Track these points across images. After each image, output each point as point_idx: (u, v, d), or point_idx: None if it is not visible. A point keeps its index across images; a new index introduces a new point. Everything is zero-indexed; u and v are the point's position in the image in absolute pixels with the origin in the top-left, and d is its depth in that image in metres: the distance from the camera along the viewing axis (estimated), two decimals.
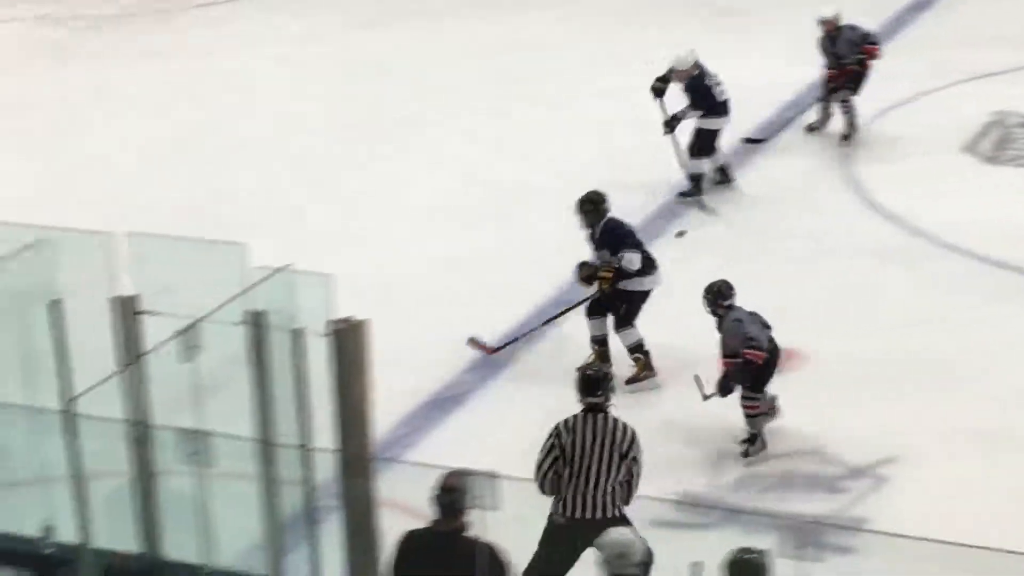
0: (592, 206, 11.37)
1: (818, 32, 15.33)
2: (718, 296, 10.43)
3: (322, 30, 19.83)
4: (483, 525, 7.13)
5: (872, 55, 15.32)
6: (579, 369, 8.73)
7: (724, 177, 14.59)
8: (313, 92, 17.60)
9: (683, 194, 14.38)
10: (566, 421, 8.46)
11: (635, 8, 20.10)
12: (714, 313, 10.44)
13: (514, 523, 7.29)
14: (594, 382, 8.54)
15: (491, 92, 17.35)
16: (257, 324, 7.25)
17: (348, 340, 7.14)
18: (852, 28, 15.37)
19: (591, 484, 8.35)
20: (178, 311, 7.50)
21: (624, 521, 8.20)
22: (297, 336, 7.22)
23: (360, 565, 7.26)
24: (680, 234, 13.08)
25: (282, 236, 12.83)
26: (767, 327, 10.36)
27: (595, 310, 11.42)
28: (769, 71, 16.98)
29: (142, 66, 18.74)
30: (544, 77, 17.64)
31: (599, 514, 8.32)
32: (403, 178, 15.20)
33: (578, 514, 8.37)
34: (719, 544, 7.30)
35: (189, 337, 7.15)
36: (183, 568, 7.64)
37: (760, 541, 7.15)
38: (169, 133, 16.46)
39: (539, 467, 8.40)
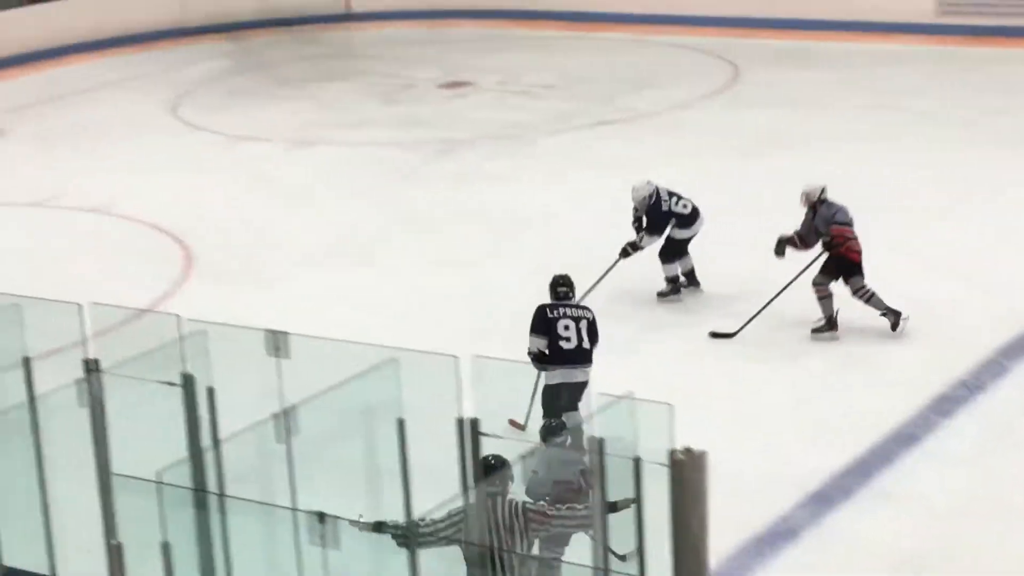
0: None
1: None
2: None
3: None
4: None
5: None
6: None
7: (692, 281, 15.37)
8: None
9: (661, 294, 15.27)
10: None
11: None
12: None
13: None
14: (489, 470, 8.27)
15: None
16: (597, 451, 7.27)
17: (687, 471, 7.09)
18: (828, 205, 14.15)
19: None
20: (518, 434, 7.60)
21: None
22: (636, 464, 7.21)
23: None
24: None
25: (616, 363, 12.87)
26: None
27: None
28: None
29: (489, 189, 19.18)
30: None
31: None
32: None
33: None
34: None
35: (529, 462, 7.22)
36: None
37: None
38: (519, 263, 16.73)
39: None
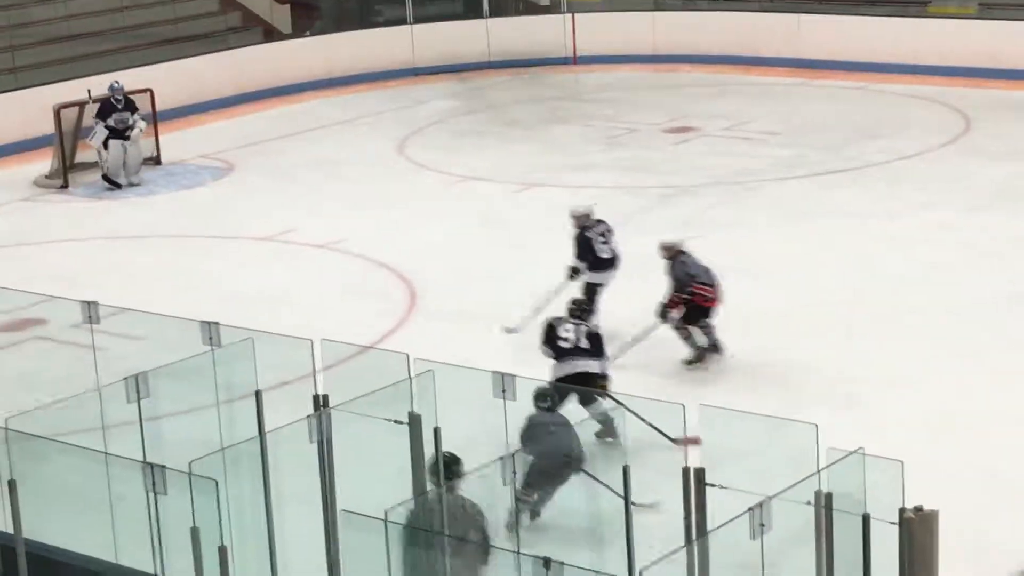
0: None
1: None
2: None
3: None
4: None
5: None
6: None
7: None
8: None
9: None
10: None
11: None
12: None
13: None
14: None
15: None
16: (825, 506, 7.18)
17: (917, 530, 6.97)
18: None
19: None
20: (746, 485, 7.53)
21: None
22: (865, 521, 7.10)
23: None
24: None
25: (852, 417, 12.70)
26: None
27: None
28: None
29: (712, 235, 19.08)
30: None
31: None
32: None
33: None
34: None
35: (757, 514, 7.14)
36: None
37: None
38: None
39: None
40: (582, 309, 13.50)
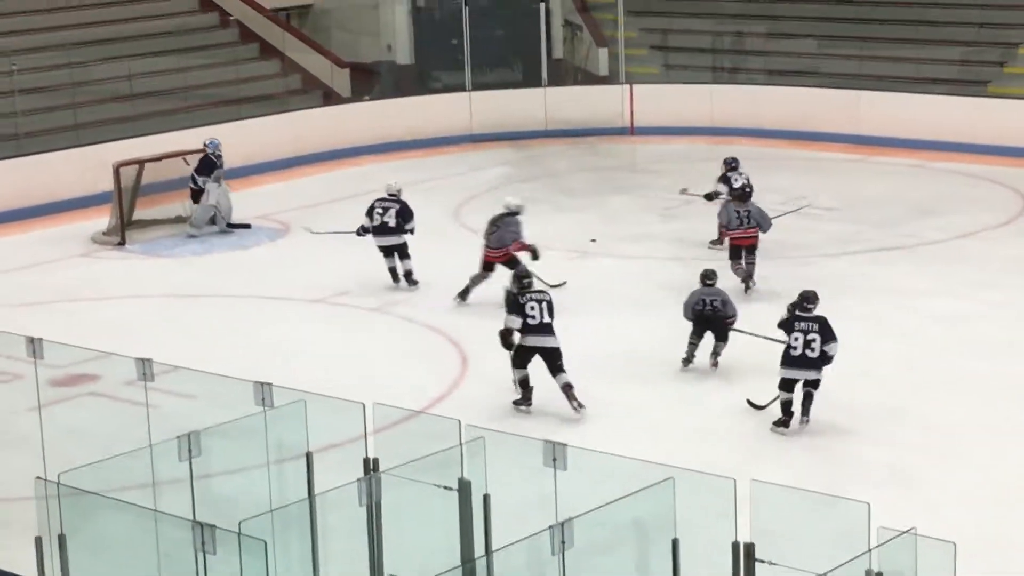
0: None
1: None
2: None
3: None
4: None
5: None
6: None
7: None
8: None
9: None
10: None
11: None
12: None
13: None
14: None
15: None
16: None
17: None
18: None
19: None
20: (796, 563, 7.48)
21: None
22: None
23: None
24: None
25: (905, 493, 12.60)
26: None
27: None
28: None
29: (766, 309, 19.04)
30: None
31: None
32: None
33: None
34: None
35: None
36: None
37: None
38: None
39: None
40: (529, 276, 16.25)
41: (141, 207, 24.17)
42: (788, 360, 14.84)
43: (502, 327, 15.77)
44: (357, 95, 31.76)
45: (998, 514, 13.01)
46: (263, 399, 10.69)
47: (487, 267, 19.60)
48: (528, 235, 19.64)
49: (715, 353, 16.69)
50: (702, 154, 29.00)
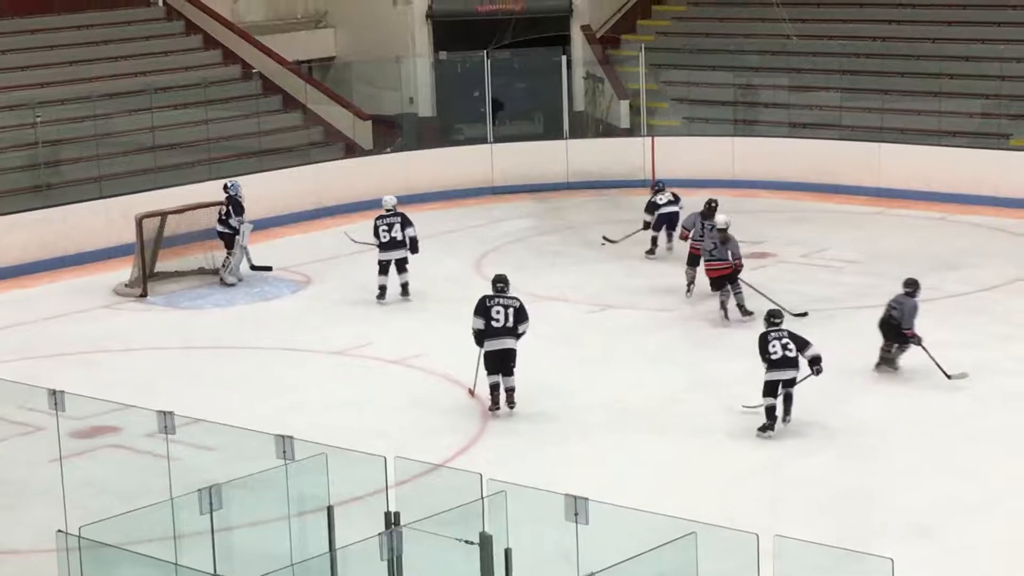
0: None
1: None
2: None
3: None
4: None
5: None
6: None
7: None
8: None
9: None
10: None
11: None
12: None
13: None
14: None
15: None
16: None
17: None
18: None
19: None
20: None
21: None
22: None
23: None
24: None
25: (927, 546, 12.53)
26: None
27: None
28: None
29: None
30: None
31: None
32: None
33: None
34: None
35: None
36: None
37: None
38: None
39: None
40: (504, 282, 17.59)
41: (163, 259, 24.25)
42: (771, 365, 16.42)
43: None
44: (379, 147, 31.88)
45: (1019, 567, 12.94)
46: (284, 452, 10.69)
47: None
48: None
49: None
50: (724, 206, 29.00)
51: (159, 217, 24.12)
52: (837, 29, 33.52)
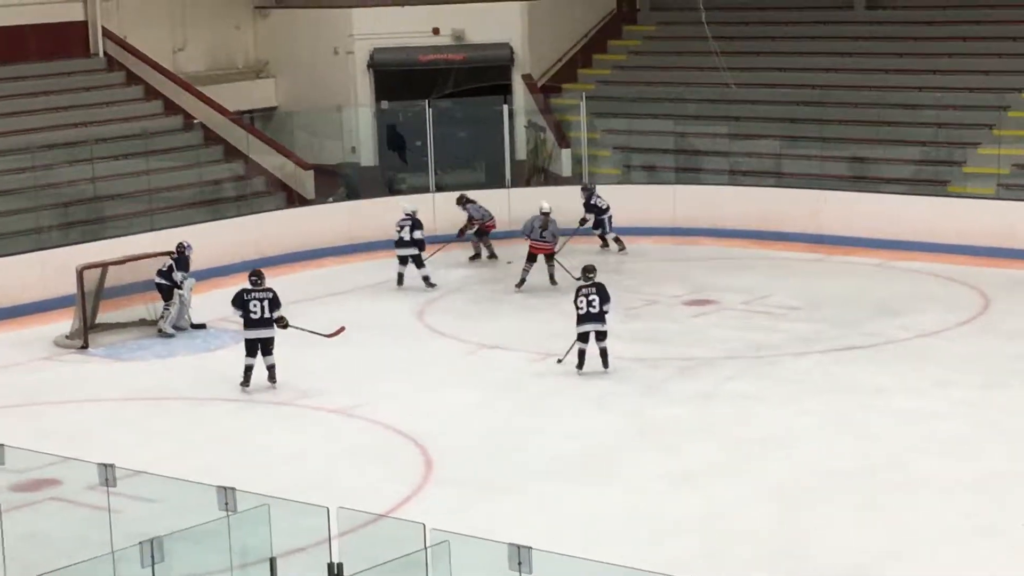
0: None
1: None
2: None
3: None
4: None
5: None
6: None
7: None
8: None
9: None
10: None
11: None
12: None
13: None
14: None
15: None
16: None
17: None
18: None
19: None
20: None
21: None
22: None
23: None
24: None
25: None
26: None
27: None
28: None
29: (730, 409, 19.10)
30: None
31: None
32: None
33: None
34: None
35: None
36: None
37: None
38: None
39: None
40: (260, 276, 20.43)
41: (104, 310, 24.12)
42: (581, 319, 20.55)
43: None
44: (321, 197, 31.86)
45: None
46: (226, 503, 10.64)
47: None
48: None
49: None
50: (665, 254, 29.18)
51: (100, 268, 24.01)
52: (776, 77, 33.82)
